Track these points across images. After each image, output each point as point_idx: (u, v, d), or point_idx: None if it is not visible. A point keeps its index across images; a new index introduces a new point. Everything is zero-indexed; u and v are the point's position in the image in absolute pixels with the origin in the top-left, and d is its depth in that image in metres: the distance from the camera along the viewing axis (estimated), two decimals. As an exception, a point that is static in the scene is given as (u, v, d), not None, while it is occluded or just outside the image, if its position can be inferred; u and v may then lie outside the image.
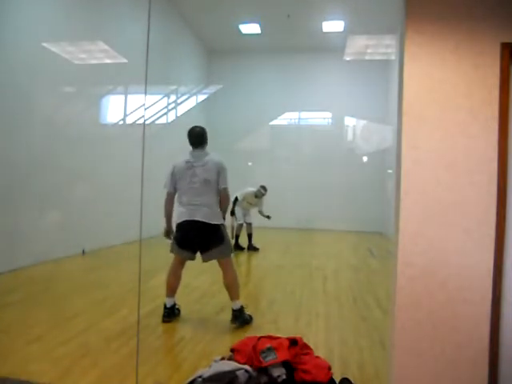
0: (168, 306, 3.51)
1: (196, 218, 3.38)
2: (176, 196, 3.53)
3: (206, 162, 3.43)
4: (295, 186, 10.99)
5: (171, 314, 3.52)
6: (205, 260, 3.50)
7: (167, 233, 3.60)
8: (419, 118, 2.14)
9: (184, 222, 3.43)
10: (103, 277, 5.22)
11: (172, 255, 3.56)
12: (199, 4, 9.35)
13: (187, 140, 3.54)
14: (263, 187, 7.29)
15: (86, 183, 6.33)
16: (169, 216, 3.58)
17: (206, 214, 3.40)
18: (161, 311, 3.56)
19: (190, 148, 3.53)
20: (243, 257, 7.03)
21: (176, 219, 3.50)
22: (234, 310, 3.47)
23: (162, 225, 3.59)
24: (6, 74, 5.01)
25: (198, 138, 3.53)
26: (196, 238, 3.43)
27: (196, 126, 3.58)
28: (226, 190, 3.49)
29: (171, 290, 3.55)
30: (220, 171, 3.45)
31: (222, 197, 3.51)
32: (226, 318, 3.55)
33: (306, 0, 8.69)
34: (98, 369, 2.58)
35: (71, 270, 5.63)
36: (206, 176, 3.40)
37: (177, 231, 3.51)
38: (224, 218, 3.60)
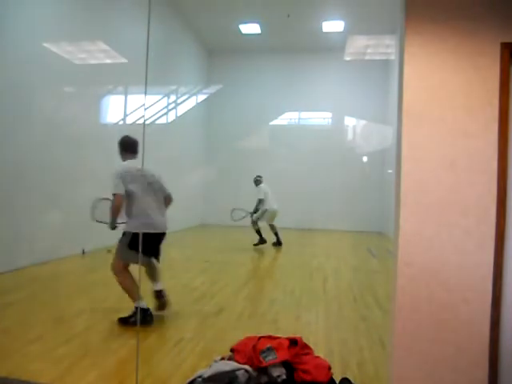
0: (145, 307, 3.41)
1: (157, 227, 3.47)
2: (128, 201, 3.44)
3: (149, 170, 3.53)
4: (295, 185, 10.99)
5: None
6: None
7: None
8: (419, 118, 2.14)
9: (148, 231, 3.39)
10: (103, 277, 5.20)
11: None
12: (199, 4, 9.35)
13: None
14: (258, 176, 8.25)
15: (85, 183, 6.32)
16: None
17: (163, 222, 3.54)
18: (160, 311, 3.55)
19: (126, 155, 3.54)
20: (243, 257, 7.04)
21: (133, 226, 3.40)
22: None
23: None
24: (6, 74, 5.01)
25: (136, 146, 3.61)
26: (154, 245, 3.51)
27: (129, 136, 3.64)
28: (171, 194, 3.68)
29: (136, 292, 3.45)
30: (161, 178, 3.62)
31: (169, 201, 3.69)
32: (225, 318, 3.55)
33: (305, 0, 8.69)
34: (98, 369, 2.58)
35: (71, 270, 5.63)
36: (158, 184, 3.56)
37: (136, 239, 3.33)
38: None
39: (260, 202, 7.97)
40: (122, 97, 7.96)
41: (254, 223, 7.94)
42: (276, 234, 8.12)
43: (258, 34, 10.56)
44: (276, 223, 8.12)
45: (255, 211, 7.95)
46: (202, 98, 11.79)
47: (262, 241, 7.91)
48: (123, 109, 7.87)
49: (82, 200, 6.30)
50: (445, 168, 2.12)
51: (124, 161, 3.54)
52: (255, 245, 7.83)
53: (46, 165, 5.66)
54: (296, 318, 3.70)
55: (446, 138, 2.12)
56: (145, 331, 3.22)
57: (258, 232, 7.94)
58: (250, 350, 2.39)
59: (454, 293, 2.12)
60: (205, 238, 10.07)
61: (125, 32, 7.32)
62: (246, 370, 2.26)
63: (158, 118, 9.37)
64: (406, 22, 2.14)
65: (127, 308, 3.73)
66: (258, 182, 8.20)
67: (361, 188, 10.88)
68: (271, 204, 8.02)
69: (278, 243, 8.09)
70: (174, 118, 10.30)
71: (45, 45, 5.73)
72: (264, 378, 2.28)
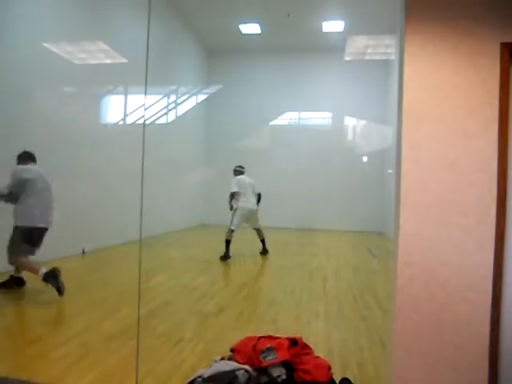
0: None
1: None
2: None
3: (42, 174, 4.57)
4: (295, 185, 10.98)
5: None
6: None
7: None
8: (419, 118, 2.14)
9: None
10: (103, 277, 5.22)
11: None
12: (199, 4, 9.35)
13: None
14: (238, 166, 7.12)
15: (85, 183, 6.32)
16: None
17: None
18: (161, 311, 3.55)
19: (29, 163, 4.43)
20: (243, 257, 7.03)
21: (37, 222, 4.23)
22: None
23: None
24: (6, 74, 5.00)
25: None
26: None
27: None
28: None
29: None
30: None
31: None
32: (225, 318, 3.55)
33: (305, 0, 8.69)
34: (98, 369, 2.58)
35: (71, 269, 5.61)
36: (48, 187, 4.51)
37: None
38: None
39: (231, 196, 6.72)
40: (122, 97, 7.96)
41: (229, 231, 6.55)
42: (262, 242, 6.94)
43: (258, 34, 10.56)
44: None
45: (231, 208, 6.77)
46: (201, 98, 11.78)
47: (226, 255, 6.36)
48: (123, 109, 7.86)
49: (82, 200, 6.35)
50: (445, 168, 2.12)
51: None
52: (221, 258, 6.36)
53: (45, 164, 5.65)
54: (296, 318, 3.70)
55: (446, 138, 2.12)
56: (144, 331, 3.23)
57: (227, 243, 6.44)
58: (249, 350, 2.39)
59: (454, 293, 2.12)
60: (205, 237, 10.06)
61: (125, 32, 7.32)
62: (246, 370, 2.26)
63: (158, 118, 9.37)
64: (406, 21, 2.14)
65: (127, 306, 3.75)
66: (236, 172, 6.93)
67: (361, 188, 10.86)
68: (244, 202, 6.68)
69: (263, 251, 6.97)
70: (174, 117, 10.30)
71: (45, 45, 5.72)
72: (264, 378, 2.28)
